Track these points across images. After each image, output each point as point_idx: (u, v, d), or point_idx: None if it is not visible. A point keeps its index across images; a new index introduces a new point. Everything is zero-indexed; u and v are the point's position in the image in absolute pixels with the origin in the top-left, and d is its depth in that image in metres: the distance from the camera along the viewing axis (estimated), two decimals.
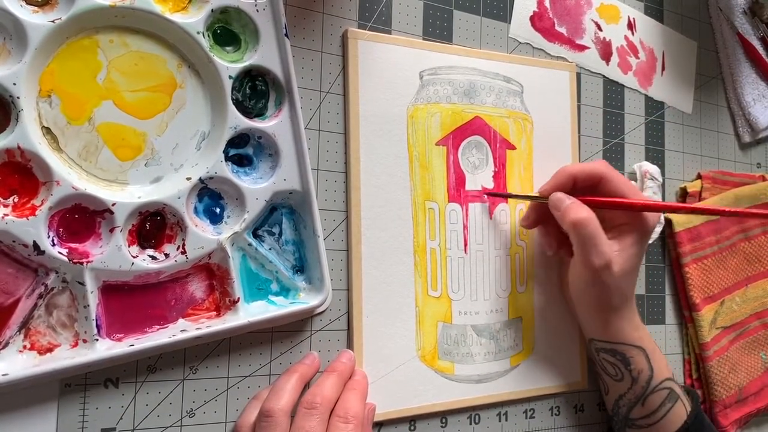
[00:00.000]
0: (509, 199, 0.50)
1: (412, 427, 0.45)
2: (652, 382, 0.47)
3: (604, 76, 0.57)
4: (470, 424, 0.47)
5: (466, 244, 0.48)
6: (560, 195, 0.45)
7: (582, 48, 0.55)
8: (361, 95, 0.44)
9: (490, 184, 0.49)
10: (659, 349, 0.49)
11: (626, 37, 0.58)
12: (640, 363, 0.47)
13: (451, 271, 0.47)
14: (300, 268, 0.42)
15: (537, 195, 0.47)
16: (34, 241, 0.33)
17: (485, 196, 0.49)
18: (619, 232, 0.46)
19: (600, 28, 0.56)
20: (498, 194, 0.49)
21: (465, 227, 0.48)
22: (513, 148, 0.50)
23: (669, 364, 0.49)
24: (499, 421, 0.49)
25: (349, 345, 0.43)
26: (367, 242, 0.44)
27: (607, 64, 0.56)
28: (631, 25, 0.59)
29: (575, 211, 0.44)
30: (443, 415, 0.46)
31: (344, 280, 0.43)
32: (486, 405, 0.48)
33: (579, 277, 0.46)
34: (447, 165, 0.47)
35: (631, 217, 0.45)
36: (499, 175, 0.49)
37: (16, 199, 0.33)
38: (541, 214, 0.48)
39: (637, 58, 0.59)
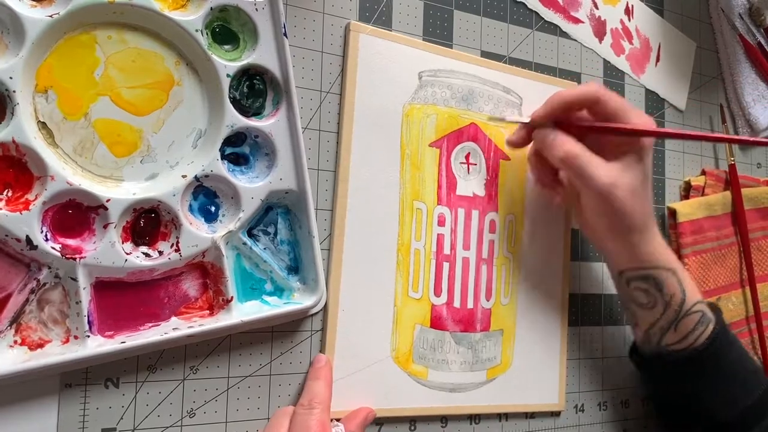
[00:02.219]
0: (499, 210, 0.49)
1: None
2: (684, 306, 0.46)
3: (604, 60, 0.57)
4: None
5: (452, 249, 0.47)
6: (544, 131, 0.45)
7: (576, 21, 0.55)
8: (358, 88, 0.43)
9: (481, 192, 0.48)
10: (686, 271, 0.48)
11: (622, 21, 0.58)
12: (672, 285, 0.46)
13: (434, 274, 0.46)
14: (294, 268, 0.41)
15: (527, 121, 0.46)
16: (27, 236, 0.33)
17: (489, 121, 0.48)
18: (619, 151, 0.44)
19: (596, 6, 0.57)
20: (495, 118, 0.48)
21: (453, 231, 0.47)
22: (507, 159, 0.50)
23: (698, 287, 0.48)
24: (495, 422, 0.48)
25: (323, 336, 0.42)
26: (351, 235, 0.43)
27: (600, 42, 0.57)
28: (628, 11, 0.59)
29: (561, 146, 0.43)
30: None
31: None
32: (460, 416, 0.47)
33: (590, 209, 0.45)
34: (439, 167, 0.47)
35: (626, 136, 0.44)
36: (491, 183, 0.49)
37: (9, 194, 0.33)
38: (529, 136, 0.47)
39: (631, 44, 0.59)
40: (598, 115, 0.45)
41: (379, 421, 0.44)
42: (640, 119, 0.44)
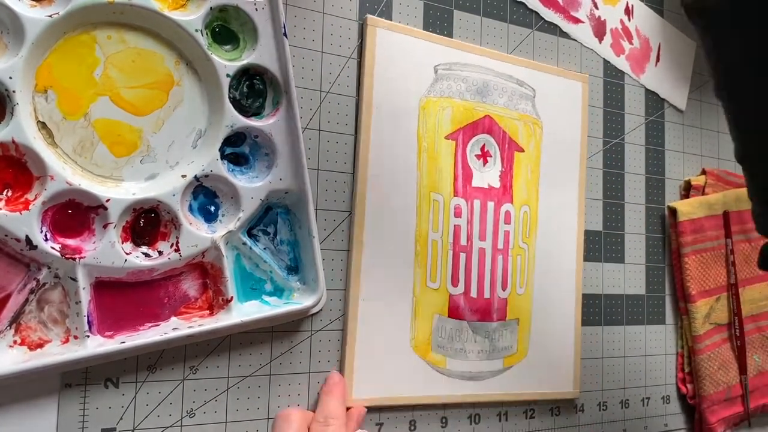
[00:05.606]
0: (514, 201, 0.50)
1: (413, 427, 0.45)
2: None
3: (604, 60, 0.57)
4: (470, 424, 0.47)
5: (469, 240, 0.48)
6: None
7: (576, 20, 0.55)
8: (376, 82, 0.44)
9: (496, 183, 0.49)
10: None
11: (621, 21, 0.58)
12: None
13: (451, 265, 0.47)
14: (294, 268, 0.41)
15: None
16: (27, 236, 0.33)
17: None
18: None
19: (596, 6, 0.57)
20: None
21: (469, 222, 0.48)
22: (521, 150, 0.50)
23: None
24: (500, 421, 0.49)
25: (344, 327, 0.43)
26: (370, 225, 0.43)
27: (600, 42, 0.57)
28: (628, 11, 0.59)
29: None
30: (442, 413, 0.46)
31: (344, 279, 0.43)
32: (482, 403, 0.48)
33: None
34: (455, 159, 0.47)
35: None
36: (506, 175, 0.50)
37: (9, 193, 0.33)
38: None
39: (631, 44, 0.59)
40: None
41: (401, 408, 0.45)
42: None
